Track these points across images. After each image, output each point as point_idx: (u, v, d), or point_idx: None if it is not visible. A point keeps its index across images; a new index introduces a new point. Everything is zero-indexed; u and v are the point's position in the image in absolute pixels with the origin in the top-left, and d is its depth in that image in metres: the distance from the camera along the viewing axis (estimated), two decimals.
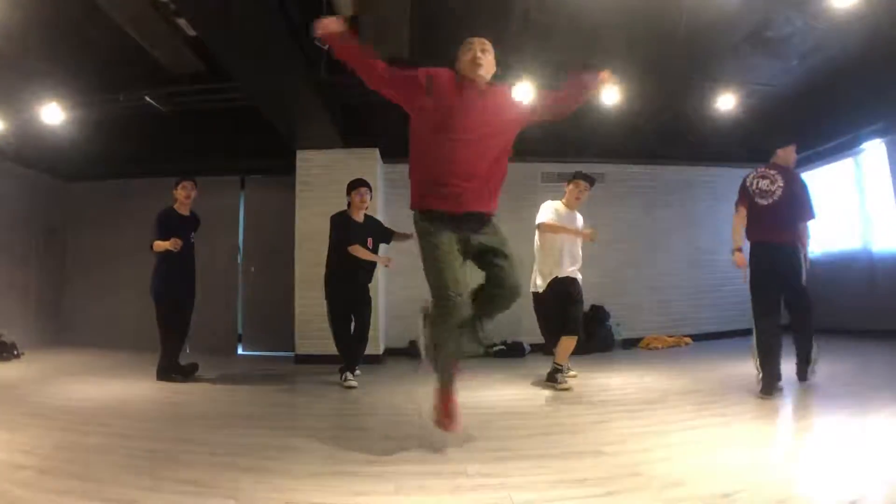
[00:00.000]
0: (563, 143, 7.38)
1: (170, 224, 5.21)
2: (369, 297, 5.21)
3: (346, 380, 4.83)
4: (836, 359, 5.34)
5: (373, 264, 5.15)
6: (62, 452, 2.69)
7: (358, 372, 5.07)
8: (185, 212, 5.45)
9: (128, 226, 6.91)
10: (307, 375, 5.57)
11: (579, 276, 4.88)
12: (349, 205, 5.10)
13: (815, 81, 6.33)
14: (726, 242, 7.74)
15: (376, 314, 6.56)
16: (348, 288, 4.99)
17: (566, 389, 4.45)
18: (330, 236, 5.06)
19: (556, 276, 4.68)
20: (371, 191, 5.16)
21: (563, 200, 4.91)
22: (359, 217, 5.09)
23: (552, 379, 4.57)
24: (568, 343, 4.61)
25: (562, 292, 4.67)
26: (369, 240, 5.05)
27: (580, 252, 4.90)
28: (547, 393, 4.36)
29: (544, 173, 7.60)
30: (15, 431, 3.09)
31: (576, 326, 4.67)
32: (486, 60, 2.88)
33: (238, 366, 6.52)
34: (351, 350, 5.03)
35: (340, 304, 5.01)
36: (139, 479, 2.31)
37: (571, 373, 4.87)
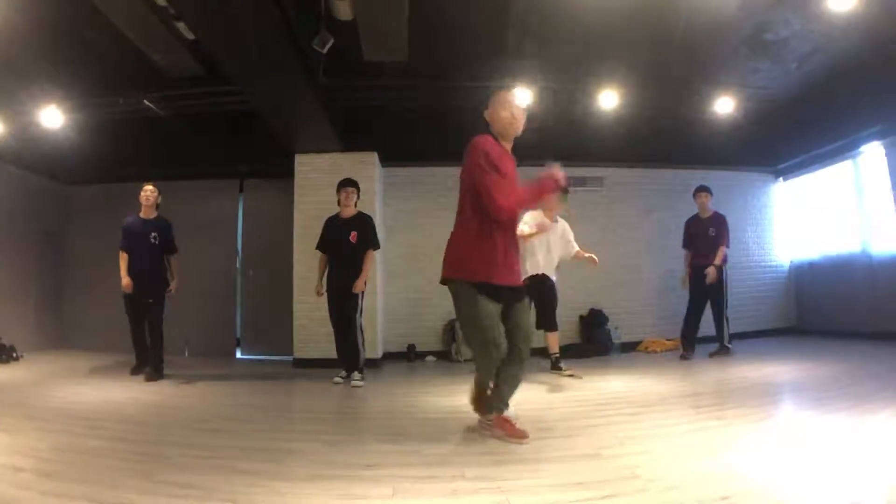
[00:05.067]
0: (562, 147, 7.39)
1: (125, 230, 5.54)
2: (350, 293, 5.16)
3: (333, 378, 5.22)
4: (836, 360, 5.33)
5: (355, 258, 5.23)
6: (61, 455, 2.68)
7: (356, 377, 5.13)
8: (145, 215, 5.59)
9: None
10: (305, 379, 5.57)
11: (552, 276, 5.44)
12: (338, 204, 5.43)
13: (813, 84, 6.36)
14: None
15: (374, 317, 6.58)
16: (331, 287, 5.28)
17: (571, 375, 5.18)
18: None
19: (528, 276, 5.20)
20: (357, 189, 5.41)
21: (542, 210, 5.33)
22: (345, 214, 5.37)
23: (556, 367, 5.37)
24: (552, 337, 5.42)
25: (533, 289, 5.14)
26: (353, 233, 5.25)
27: (554, 256, 5.43)
28: (545, 396, 4.36)
29: None
30: (14, 434, 3.08)
31: (553, 323, 5.41)
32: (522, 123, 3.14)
33: (236, 369, 6.51)
34: (340, 351, 5.32)
35: (330, 305, 5.28)
36: (137, 482, 2.31)
37: (568, 371, 5.32)
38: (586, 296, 7.52)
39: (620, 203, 7.96)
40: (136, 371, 5.50)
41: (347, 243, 5.22)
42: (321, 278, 5.35)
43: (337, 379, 5.19)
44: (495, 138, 3.06)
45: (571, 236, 5.47)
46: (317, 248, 5.41)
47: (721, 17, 5.14)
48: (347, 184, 5.41)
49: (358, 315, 5.20)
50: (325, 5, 4.74)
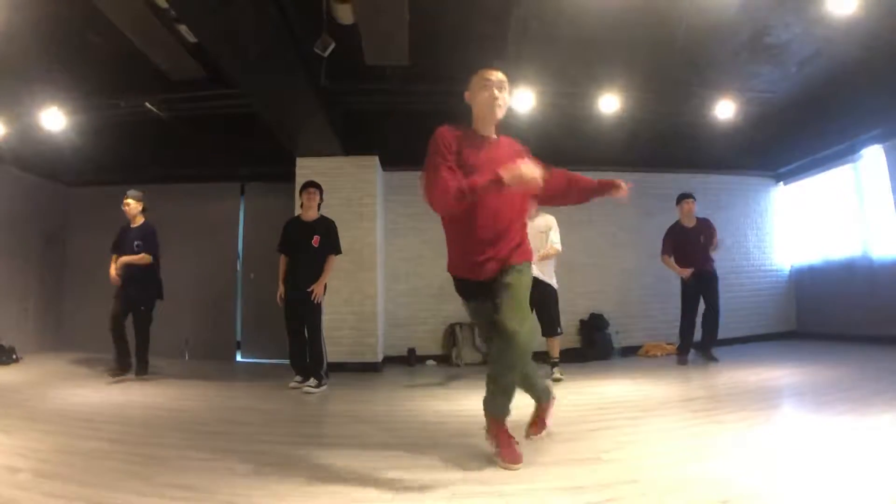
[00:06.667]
0: (562, 152, 7.38)
1: (118, 235, 5.73)
2: (311, 301, 5.12)
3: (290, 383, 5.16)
4: (836, 364, 5.32)
5: (316, 262, 5.18)
6: (59, 456, 2.68)
7: (312, 384, 5.04)
8: (132, 223, 5.71)
9: None
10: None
11: (546, 279, 5.31)
12: (300, 206, 5.38)
13: (813, 88, 6.36)
14: (725, 249, 7.81)
15: (374, 322, 6.58)
16: (291, 292, 5.16)
17: (557, 380, 5.18)
18: None
19: None
20: (320, 191, 5.35)
21: None
22: (307, 216, 5.31)
23: (550, 372, 5.32)
24: (550, 342, 5.39)
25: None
26: (315, 237, 5.17)
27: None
28: None
29: None
30: (12, 435, 3.08)
31: (552, 328, 5.36)
32: (504, 102, 2.74)
33: (236, 373, 6.51)
34: (292, 356, 5.24)
35: (287, 308, 5.18)
36: (136, 484, 2.30)
37: (556, 375, 5.31)
38: (587, 300, 7.52)
39: (620, 207, 7.94)
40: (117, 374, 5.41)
41: (309, 247, 5.15)
42: (283, 283, 5.23)
43: (292, 384, 5.12)
44: (470, 125, 2.78)
45: (553, 231, 5.34)
46: (278, 250, 5.31)
47: (721, 20, 5.15)
48: (310, 185, 5.34)
49: (321, 322, 5.20)
50: (326, 9, 4.75)
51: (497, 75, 2.76)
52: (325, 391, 4.97)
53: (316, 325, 5.16)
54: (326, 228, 5.26)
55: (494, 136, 2.79)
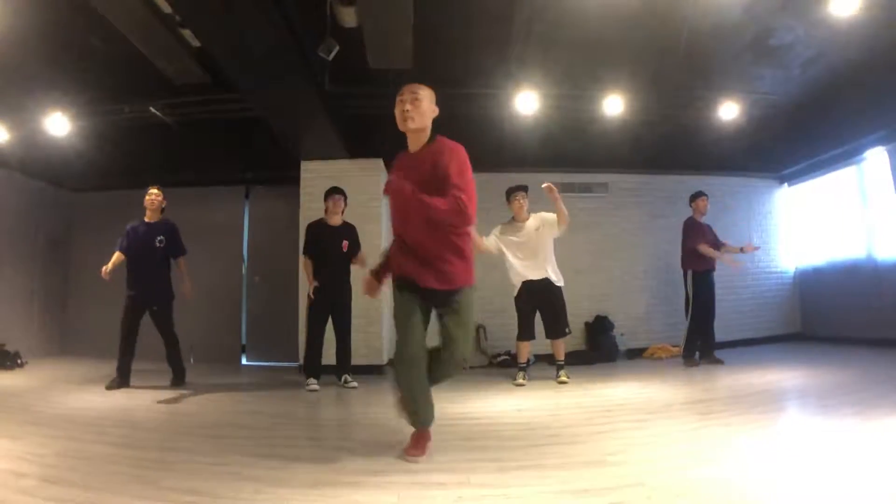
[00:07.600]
0: (567, 154, 7.39)
1: (128, 233, 5.48)
2: (346, 301, 5.44)
3: (307, 385, 5.18)
4: (841, 367, 5.30)
5: (344, 266, 5.38)
6: (64, 461, 2.68)
7: (352, 381, 5.33)
8: (150, 219, 5.52)
9: None
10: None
11: (552, 279, 5.37)
12: (325, 211, 5.50)
13: (816, 90, 6.34)
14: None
15: (380, 324, 6.58)
16: (319, 295, 5.28)
17: (563, 383, 5.21)
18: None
19: (522, 281, 5.37)
20: (345, 197, 5.53)
21: (512, 216, 5.52)
22: (333, 222, 5.46)
23: (557, 374, 5.37)
24: (557, 344, 5.45)
25: (529, 293, 5.39)
26: (344, 242, 5.37)
27: (545, 255, 5.37)
28: (551, 403, 4.35)
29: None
30: (17, 440, 3.09)
31: (559, 330, 5.41)
32: (416, 112, 2.79)
33: (242, 376, 6.52)
34: (313, 359, 5.33)
35: (316, 309, 5.32)
36: (141, 488, 2.30)
37: (561, 379, 5.30)
38: (592, 302, 7.51)
39: (625, 209, 7.96)
40: (112, 386, 5.06)
41: (339, 251, 5.32)
42: (313, 279, 5.34)
43: (314, 387, 5.15)
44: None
45: (552, 218, 5.22)
46: (304, 253, 5.44)
47: (725, 23, 5.15)
48: (336, 191, 5.49)
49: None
50: (330, 12, 4.76)
51: (409, 89, 2.85)
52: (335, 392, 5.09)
53: (349, 326, 5.46)
54: (354, 234, 5.49)
55: (419, 147, 2.88)
